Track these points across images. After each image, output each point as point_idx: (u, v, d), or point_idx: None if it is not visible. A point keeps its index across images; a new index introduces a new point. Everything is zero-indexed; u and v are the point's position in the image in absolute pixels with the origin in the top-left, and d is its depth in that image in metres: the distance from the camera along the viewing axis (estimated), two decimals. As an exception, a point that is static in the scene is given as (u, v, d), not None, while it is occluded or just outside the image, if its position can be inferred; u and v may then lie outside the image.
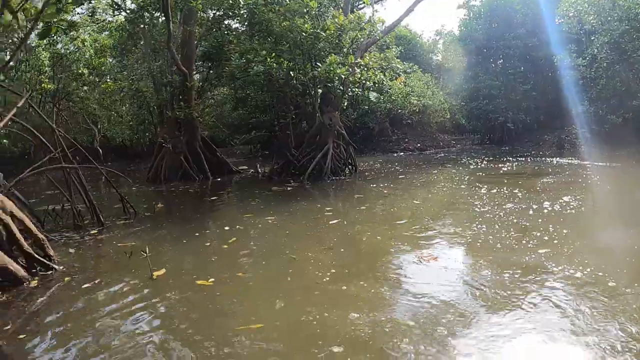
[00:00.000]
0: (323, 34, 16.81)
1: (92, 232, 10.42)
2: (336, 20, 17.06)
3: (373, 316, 5.45)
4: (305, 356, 4.54)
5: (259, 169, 21.27)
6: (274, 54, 16.51)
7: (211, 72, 22.82)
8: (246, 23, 20.18)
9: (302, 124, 20.08)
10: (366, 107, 28.44)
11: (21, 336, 5.25)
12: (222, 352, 4.69)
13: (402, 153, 28.55)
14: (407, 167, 21.06)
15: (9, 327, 5.51)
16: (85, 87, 25.15)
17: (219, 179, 19.52)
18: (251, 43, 18.05)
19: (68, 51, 22.80)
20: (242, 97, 25.50)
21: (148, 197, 15.88)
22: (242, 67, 17.62)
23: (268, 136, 26.59)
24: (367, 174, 19.06)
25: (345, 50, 17.66)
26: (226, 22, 21.36)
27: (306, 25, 16.30)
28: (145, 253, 7.22)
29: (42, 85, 20.40)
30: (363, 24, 18.32)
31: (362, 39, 18.66)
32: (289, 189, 15.91)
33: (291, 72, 17.07)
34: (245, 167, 22.62)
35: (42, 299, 6.41)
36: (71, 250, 8.98)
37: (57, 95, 22.41)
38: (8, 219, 7.62)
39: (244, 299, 6.09)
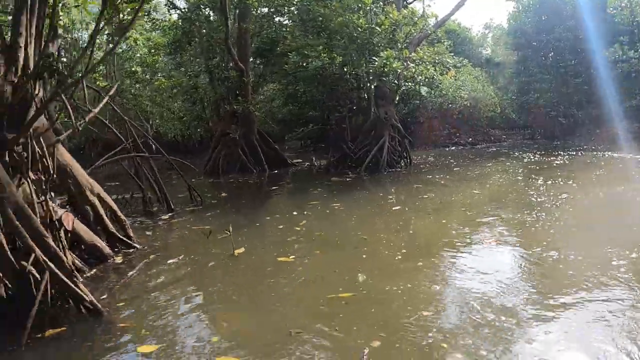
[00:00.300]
0: (378, 29, 17.01)
1: (164, 217, 10.98)
2: (390, 15, 17.23)
3: (453, 288, 5.76)
4: (398, 319, 4.87)
5: (315, 162, 21.58)
6: (327, 49, 16.83)
7: (264, 68, 23.24)
8: (299, 19, 20.52)
9: (356, 117, 20.25)
10: (417, 101, 28.43)
11: (120, 304, 5.72)
12: (318, 320, 4.96)
13: (453, 147, 28.43)
14: (461, 160, 21.05)
15: (105, 296, 5.98)
16: (137, 85, 25.82)
17: (276, 171, 19.96)
18: (305, 39, 18.37)
19: (121, 50, 23.52)
20: (292, 92, 25.84)
21: (208, 187, 16.41)
22: (299, 64, 17.95)
23: (320, 130, 26.77)
24: (421, 166, 19.20)
25: (399, 45, 17.82)
26: (277, 19, 21.76)
27: (361, 21, 16.54)
28: (229, 232, 7.61)
29: (97, 83, 21.06)
30: (416, 18, 18.46)
31: (414, 34, 18.80)
32: (347, 179, 16.25)
33: (345, 67, 17.32)
34: (300, 160, 22.97)
35: (131, 272, 6.90)
36: (148, 233, 9.55)
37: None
38: (96, 200, 8.17)
39: (327, 273, 6.43)
